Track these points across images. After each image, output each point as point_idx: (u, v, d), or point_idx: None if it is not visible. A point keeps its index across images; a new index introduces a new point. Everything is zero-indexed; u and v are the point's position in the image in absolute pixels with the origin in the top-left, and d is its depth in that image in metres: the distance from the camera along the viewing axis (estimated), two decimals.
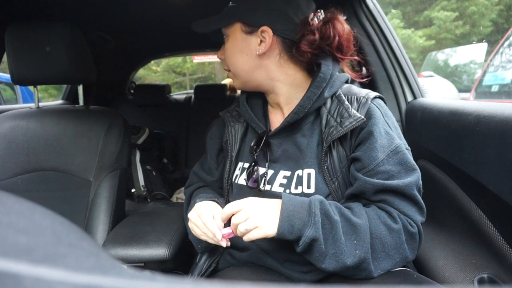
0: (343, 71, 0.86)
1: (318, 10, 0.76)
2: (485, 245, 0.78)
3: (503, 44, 3.67)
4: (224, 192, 0.88)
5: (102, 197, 1.10)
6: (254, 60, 0.78)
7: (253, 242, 0.78)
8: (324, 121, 0.75)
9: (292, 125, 0.78)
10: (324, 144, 0.73)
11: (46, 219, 0.18)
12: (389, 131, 0.72)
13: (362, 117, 0.71)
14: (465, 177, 0.83)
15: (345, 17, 0.76)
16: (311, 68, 0.80)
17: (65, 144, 1.14)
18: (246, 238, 0.66)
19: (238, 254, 0.84)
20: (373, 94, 0.77)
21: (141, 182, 1.99)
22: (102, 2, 1.46)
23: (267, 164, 0.79)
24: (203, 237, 0.77)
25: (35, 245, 0.16)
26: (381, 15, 1.32)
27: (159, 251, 0.90)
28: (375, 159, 0.69)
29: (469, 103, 0.88)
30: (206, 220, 0.75)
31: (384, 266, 0.66)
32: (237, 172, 0.85)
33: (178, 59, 11.63)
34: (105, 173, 1.12)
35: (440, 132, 0.95)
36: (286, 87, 0.80)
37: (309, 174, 0.75)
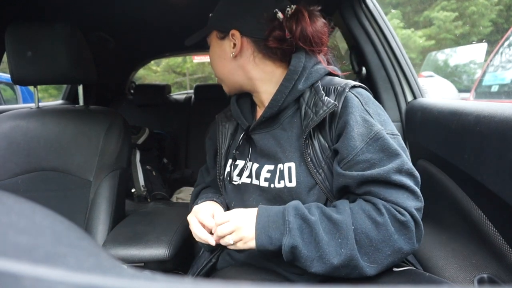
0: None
1: (288, 6, 0.78)
2: (485, 245, 0.78)
3: (503, 44, 3.67)
4: (220, 190, 0.90)
5: (102, 197, 1.10)
6: (231, 63, 0.82)
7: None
8: (303, 114, 0.75)
9: (271, 120, 0.79)
10: (304, 136, 0.73)
11: (46, 219, 0.18)
12: (368, 119, 0.69)
13: (335, 102, 0.69)
14: (465, 177, 0.83)
15: (318, 8, 0.78)
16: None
17: (65, 144, 1.14)
18: (230, 247, 0.70)
19: (237, 255, 0.84)
20: (352, 83, 0.75)
21: (141, 182, 1.99)
22: (102, 2, 1.46)
23: (247, 158, 0.82)
24: (200, 237, 0.76)
25: (35, 245, 0.16)
26: (381, 15, 1.32)
27: (159, 251, 0.90)
28: (354, 149, 0.67)
29: (469, 103, 0.88)
30: (203, 218, 0.76)
31: (375, 260, 0.63)
32: (228, 169, 0.87)
33: (178, 59, 11.63)
34: (105, 173, 1.12)
35: (440, 132, 0.95)
36: (266, 84, 0.82)
37: (289, 168, 0.75)
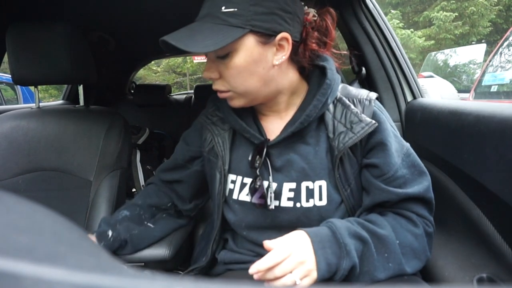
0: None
1: (303, 4, 0.72)
2: (485, 245, 0.78)
3: (502, 44, 3.68)
4: (217, 209, 0.78)
5: (103, 197, 1.10)
6: (268, 73, 0.68)
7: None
8: (330, 127, 0.70)
9: (293, 134, 0.71)
10: (336, 153, 0.69)
11: (46, 219, 0.19)
12: (396, 133, 0.72)
13: (374, 122, 0.68)
14: (465, 177, 0.83)
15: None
16: (302, 70, 0.75)
17: (66, 144, 1.14)
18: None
19: (239, 267, 0.80)
20: (372, 94, 0.75)
21: (141, 182, 1.99)
22: (102, 2, 1.46)
23: (270, 177, 0.71)
24: None
25: (35, 245, 0.16)
26: (381, 15, 1.33)
27: (159, 251, 0.90)
28: (394, 165, 0.68)
29: (469, 103, 0.88)
30: None
31: (414, 268, 0.67)
32: (230, 186, 0.77)
33: (178, 59, 11.64)
34: (105, 173, 1.12)
35: (440, 132, 0.95)
36: (287, 95, 0.74)
37: (320, 186, 0.71)
